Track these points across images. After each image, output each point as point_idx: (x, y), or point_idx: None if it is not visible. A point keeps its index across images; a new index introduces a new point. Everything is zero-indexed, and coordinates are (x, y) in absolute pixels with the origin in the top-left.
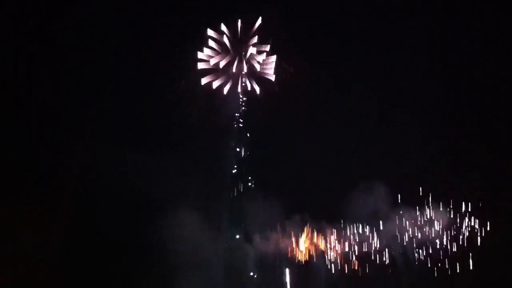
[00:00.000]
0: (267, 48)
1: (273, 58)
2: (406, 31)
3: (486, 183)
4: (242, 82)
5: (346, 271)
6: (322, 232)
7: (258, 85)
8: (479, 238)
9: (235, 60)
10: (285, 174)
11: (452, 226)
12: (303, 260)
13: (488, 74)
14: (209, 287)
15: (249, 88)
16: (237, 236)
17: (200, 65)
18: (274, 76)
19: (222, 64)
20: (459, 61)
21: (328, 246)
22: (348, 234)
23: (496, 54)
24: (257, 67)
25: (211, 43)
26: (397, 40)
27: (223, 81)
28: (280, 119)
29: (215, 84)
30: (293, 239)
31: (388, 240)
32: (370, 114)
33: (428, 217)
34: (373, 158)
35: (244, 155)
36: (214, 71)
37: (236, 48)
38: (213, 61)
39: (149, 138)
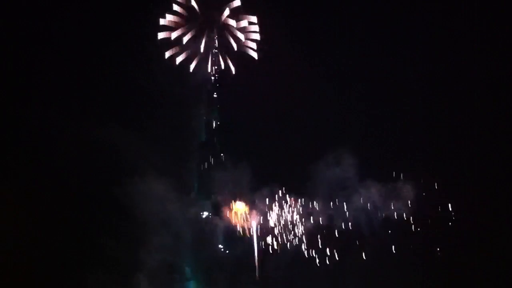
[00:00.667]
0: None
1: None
2: None
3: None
4: (212, 58)
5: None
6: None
7: (232, 60)
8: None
9: (203, 31)
10: (255, 145)
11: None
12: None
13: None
14: (178, 259)
15: (222, 65)
16: (205, 212)
17: (162, 35)
18: (255, 44)
19: (187, 37)
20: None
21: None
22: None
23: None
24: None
25: (176, 7)
26: None
27: (187, 55)
28: (252, 89)
29: (179, 60)
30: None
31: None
32: (341, 85)
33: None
34: (341, 128)
35: (215, 126)
36: (178, 42)
37: (206, 17)
38: (176, 33)
39: (117, 108)
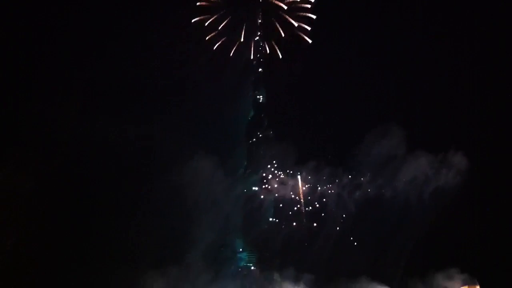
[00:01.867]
0: None
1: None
2: None
3: None
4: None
5: None
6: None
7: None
8: None
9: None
10: (302, 120)
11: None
12: None
13: None
14: (229, 233)
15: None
16: (255, 187)
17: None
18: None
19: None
20: None
21: None
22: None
23: None
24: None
25: None
26: None
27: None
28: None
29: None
30: None
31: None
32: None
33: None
34: (389, 103)
35: (262, 103)
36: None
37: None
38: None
39: (163, 91)
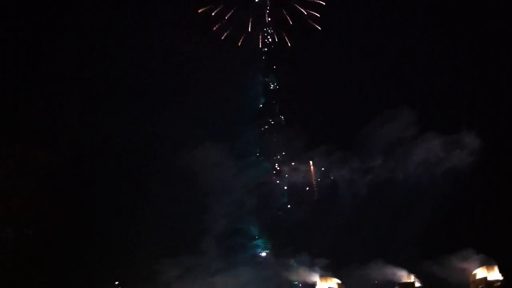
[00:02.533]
0: None
1: None
2: None
3: None
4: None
5: None
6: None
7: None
8: None
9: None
10: (313, 105)
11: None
12: None
13: None
14: (243, 220)
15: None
16: (267, 173)
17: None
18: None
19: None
20: None
21: None
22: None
23: None
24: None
25: None
26: None
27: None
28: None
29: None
30: None
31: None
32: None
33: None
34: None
35: (273, 88)
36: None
37: None
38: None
39: (172, 79)
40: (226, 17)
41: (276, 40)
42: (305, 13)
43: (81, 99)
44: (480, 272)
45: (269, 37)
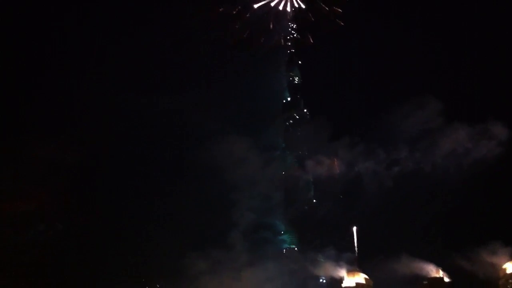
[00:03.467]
0: None
1: None
2: None
3: None
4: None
5: None
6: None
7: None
8: None
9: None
10: (336, 97)
11: None
12: None
13: None
14: (270, 215)
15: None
16: (293, 168)
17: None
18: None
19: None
20: None
21: None
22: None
23: None
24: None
25: None
26: None
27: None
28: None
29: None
30: None
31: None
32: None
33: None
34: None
35: (298, 82)
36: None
37: None
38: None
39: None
40: (247, 15)
41: (298, 36)
42: (327, 9)
43: (107, 98)
44: (510, 266)
45: (292, 33)
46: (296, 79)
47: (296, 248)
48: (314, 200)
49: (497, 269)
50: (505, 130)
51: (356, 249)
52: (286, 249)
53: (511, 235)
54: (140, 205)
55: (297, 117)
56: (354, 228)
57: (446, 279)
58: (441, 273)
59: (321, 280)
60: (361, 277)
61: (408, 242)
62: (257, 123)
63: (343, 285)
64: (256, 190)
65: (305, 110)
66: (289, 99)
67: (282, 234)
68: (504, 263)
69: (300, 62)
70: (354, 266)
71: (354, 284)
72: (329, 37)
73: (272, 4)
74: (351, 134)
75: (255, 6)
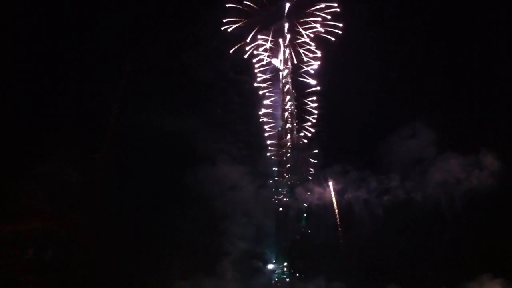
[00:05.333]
0: None
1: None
2: None
3: None
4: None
5: None
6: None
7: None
8: None
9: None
10: (329, 124)
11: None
12: None
13: None
14: (261, 245)
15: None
16: (285, 197)
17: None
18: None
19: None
20: None
21: None
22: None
23: None
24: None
25: None
26: None
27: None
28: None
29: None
30: None
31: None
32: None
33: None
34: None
35: (291, 109)
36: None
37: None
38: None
39: (189, 99)
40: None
41: (295, 62)
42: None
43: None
44: None
45: (287, 55)
46: (291, 107)
47: (287, 279)
48: (308, 230)
49: None
50: (497, 162)
51: (346, 279)
52: (276, 279)
53: (503, 267)
54: (127, 228)
55: (290, 145)
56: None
57: None
58: None
59: None
60: None
61: (400, 273)
62: (251, 150)
63: None
64: (247, 219)
65: (299, 137)
66: (282, 127)
67: (273, 263)
68: None
69: (295, 87)
70: None
71: None
72: (320, 63)
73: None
74: (344, 162)
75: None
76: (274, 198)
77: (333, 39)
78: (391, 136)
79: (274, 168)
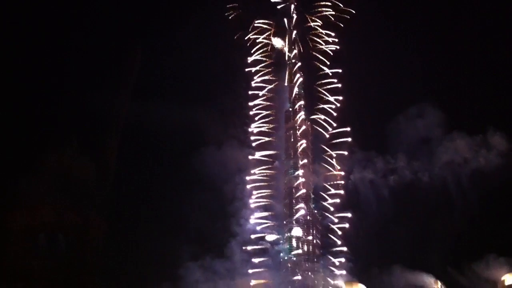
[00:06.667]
0: None
1: None
2: None
3: None
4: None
5: None
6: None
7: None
8: None
9: None
10: (337, 106)
11: None
12: None
13: None
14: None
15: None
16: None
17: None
18: None
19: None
20: None
21: None
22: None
23: None
24: None
25: None
26: None
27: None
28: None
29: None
30: None
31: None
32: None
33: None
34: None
35: (298, 93)
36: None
37: None
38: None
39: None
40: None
41: (301, 49)
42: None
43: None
44: (509, 278)
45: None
46: (297, 89)
47: (294, 258)
48: (315, 211)
49: (496, 282)
50: (504, 141)
51: (354, 259)
52: (284, 259)
53: (510, 247)
54: (138, 212)
55: (297, 127)
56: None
57: None
58: (439, 285)
59: None
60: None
61: (406, 254)
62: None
63: None
64: (256, 201)
65: (306, 121)
66: (290, 109)
67: (281, 244)
68: (503, 275)
69: (303, 71)
70: (353, 276)
71: None
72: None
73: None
74: (352, 143)
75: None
76: (282, 180)
77: (341, 25)
78: (398, 116)
79: (281, 151)
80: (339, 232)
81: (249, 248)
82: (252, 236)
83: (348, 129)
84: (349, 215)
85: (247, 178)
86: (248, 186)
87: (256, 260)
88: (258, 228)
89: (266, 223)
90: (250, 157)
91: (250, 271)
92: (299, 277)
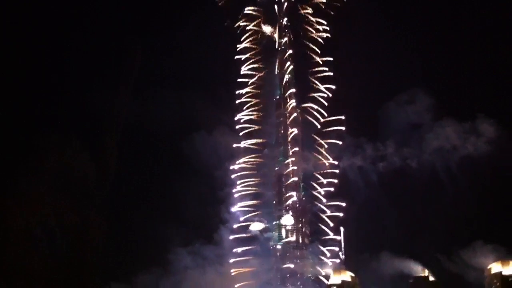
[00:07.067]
0: None
1: None
2: None
3: None
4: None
5: None
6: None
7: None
8: None
9: None
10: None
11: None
12: None
13: None
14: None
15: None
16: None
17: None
18: None
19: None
20: None
21: None
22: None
23: None
24: None
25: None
26: None
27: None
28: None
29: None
30: None
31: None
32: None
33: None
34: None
35: (289, 80)
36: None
37: None
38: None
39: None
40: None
41: (292, 37)
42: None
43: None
44: (495, 267)
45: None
46: (287, 76)
47: (279, 247)
48: (304, 198)
49: (484, 269)
50: (493, 128)
51: (343, 247)
52: (273, 246)
53: (497, 235)
54: (129, 198)
55: (287, 114)
56: (341, 228)
57: (431, 278)
58: (426, 272)
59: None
60: (347, 275)
61: (394, 241)
62: (249, 121)
63: (329, 282)
64: (246, 188)
65: (296, 108)
66: (279, 96)
67: (270, 231)
68: (490, 263)
69: (292, 60)
70: (341, 264)
71: (340, 282)
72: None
73: None
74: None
75: None
76: (272, 167)
77: (332, 13)
78: (388, 102)
79: (271, 138)
80: (329, 221)
81: (236, 236)
82: (238, 225)
83: (343, 117)
84: (339, 203)
85: (236, 166)
86: (236, 174)
87: (241, 249)
88: (245, 216)
89: (254, 211)
90: (235, 145)
91: (232, 260)
92: (288, 265)
